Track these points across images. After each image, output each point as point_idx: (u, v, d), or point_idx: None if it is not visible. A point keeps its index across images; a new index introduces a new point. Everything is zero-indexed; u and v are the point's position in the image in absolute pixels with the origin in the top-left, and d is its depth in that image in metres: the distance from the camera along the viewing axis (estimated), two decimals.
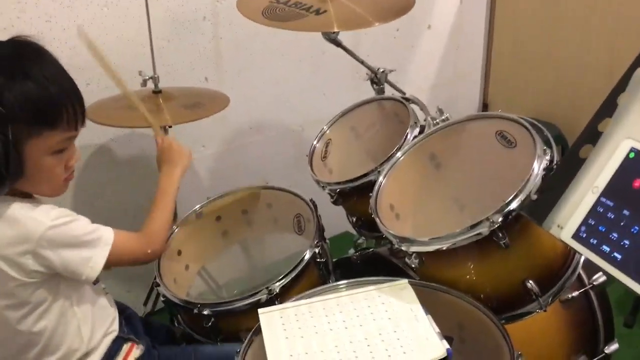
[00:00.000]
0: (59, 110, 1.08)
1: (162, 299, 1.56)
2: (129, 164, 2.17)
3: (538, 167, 1.19)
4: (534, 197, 1.16)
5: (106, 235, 1.19)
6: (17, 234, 1.08)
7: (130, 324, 1.36)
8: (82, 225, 1.16)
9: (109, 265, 1.20)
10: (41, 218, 1.09)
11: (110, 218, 2.10)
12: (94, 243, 1.16)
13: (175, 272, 1.68)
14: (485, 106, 3.29)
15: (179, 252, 1.72)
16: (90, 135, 2.03)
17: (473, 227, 1.18)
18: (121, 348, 1.27)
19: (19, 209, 1.10)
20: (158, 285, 1.55)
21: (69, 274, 1.14)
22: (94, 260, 1.15)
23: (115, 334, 1.28)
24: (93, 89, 1.97)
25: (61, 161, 1.12)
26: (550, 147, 1.24)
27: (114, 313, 1.32)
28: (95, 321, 1.24)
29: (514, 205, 1.16)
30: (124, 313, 1.38)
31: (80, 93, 1.15)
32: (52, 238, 1.09)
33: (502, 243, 1.17)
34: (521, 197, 1.17)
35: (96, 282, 1.27)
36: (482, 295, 1.28)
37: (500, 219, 1.16)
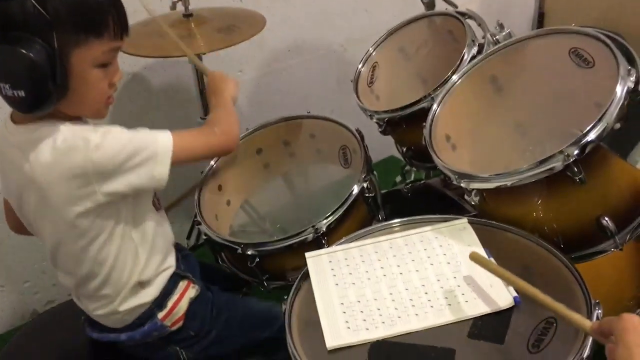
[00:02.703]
0: (105, 17, 1.00)
1: (204, 237, 1.50)
2: (165, 92, 2.08)
3: (621, 91, 1.03)
4: (617, 126, 1.02)
5: (163, 144, 1.10)
6: (69, 153, 1.01)
7: (187, 263, 1.31)
8: (134, 132, 1.08)
9: (183, 163, 1.14)
10: (89, 134, 1.02)
11: None
12: (152, 159, 1.08)
13: (216, 208, 1.61)
14: (541, 15, 3.03)
15: (220, 187, 1.64)
16: (121, 64, 1.92)
17: (544, 161, 1.05)
18: (177, 285, 1.23)
19: (66, 130, 1.02)
20: (199, 223, 1.48)
21: (139, 192, 1.11)
22: (158, 172, 1.08)
23: (172, 270, 1.23)
24: None
25: (106, 76, 1.05)
26: (634, 66, 1.07)
27: (171, 245, 1.27)
28: (153, 248, 1.19)
29: (592, 135, 1.02)
30: (182, 252, 1.33)
31: (122, 2, 1.07)
32: (104, 169, 1.02)
33: (577, 178, 1.04)
34: (601, 126, 1.02)
35: (159, 208, 1.23)
36: (549, 234, 1.16)
37: (576, 152, 1.02)
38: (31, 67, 0.93)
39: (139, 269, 1.17)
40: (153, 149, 1.08)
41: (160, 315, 1.20)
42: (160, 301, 1.20)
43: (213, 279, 1.41)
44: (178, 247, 1.33)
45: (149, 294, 1.19)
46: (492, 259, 1.10)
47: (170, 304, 1.21)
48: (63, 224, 1.08)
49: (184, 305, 1.22)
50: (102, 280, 1.15)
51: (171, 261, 1.25)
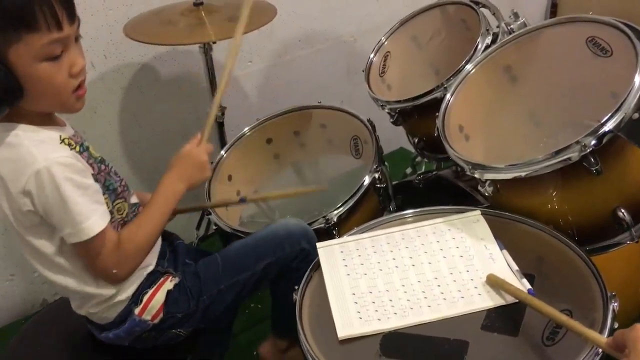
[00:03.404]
0: (31, 9, 0.94)
1: (214, 227, 1.49)
2: (174, 82, 2.06)
3: None
4: (635, 116, 1.00)
5: (92, 226, 1.02)
6: (15, 167, 0.98)
7: (174, 257, 1.27)
8: (81, 194, 1.01)
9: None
10: (38, 156, 0.98)
11: (156, 138, 2.07)
12: (79, 219, 1.01)
13: (226, 198, 1.60)
14: (554, 6, 2.99)
15: (230, 177, 1.64)
16: (131, 53, 1.92)
17: (560, 152, 1.03)
18: (153, 282, 1.19)
19: (23, 139, 0.99)
20: (209, 214, 1.48)
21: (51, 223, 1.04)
22: (70, 232, 1.02)
23: (151, 268, 1.20)
24: (131, 2, 1.85)
25: (60, 69, 0.99)
26: None
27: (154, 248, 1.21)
28: None
29: (610, 125, 1.00)
30: (172, 244, 1.30)
31: None
32: (43, 182, 0.98)
33: (593, 169, 1.02)
34: (619, 115, 1.00)
35: (128, 220, 1.17)
36: (563, 225, 1.15)
37: (593, 142, 1.00)
38: None
39: (102, 282, 1.12)
40: (82, 220, 1.01)
41: (137, 310, 1.16)
42: (135, 298, 1.16)
43: None
44: (170, 240, 1.30)
45: (125, 293, 1.16)
46: (505, 251, 1.09)
47: (145, 298, 1.17)
48: (14, 229, 1.05)
49: (160, 298, 1.18)
50: (69, 288, 1.12)
51: (150, 260, 1.20)
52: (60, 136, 1.04)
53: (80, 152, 1.06)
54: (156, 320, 1.18)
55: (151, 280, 1.19)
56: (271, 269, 1.25)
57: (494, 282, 1.03)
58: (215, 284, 1.23)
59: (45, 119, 1.05)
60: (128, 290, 1.15)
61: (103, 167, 1.11)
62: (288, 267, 1.25)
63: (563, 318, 0.89)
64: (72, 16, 1.00)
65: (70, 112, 1.06)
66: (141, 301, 1.17)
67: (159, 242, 1.24)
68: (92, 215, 1.03)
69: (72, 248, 1.07)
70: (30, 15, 0.94)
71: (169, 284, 1.20)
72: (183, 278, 1.23)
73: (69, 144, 1.05)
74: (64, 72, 1.00)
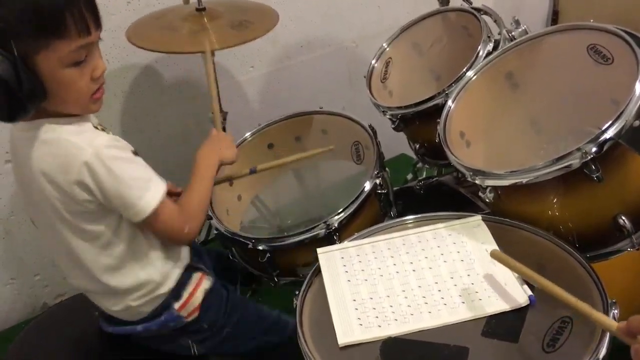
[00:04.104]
0: (62, 16, 0.95)
1: (214, 231, 1.50)
2: (176, 86, 2.07)
3: None
4: (636, 123, 1.00)
5: (156, 193, 1.07)
6: (61, 160, 1.00)
7: (198, 255, 1.31)
8: (134, 169, 1.06)
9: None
10: (84, 144, 1.00)
11: (158, 143, 2.07)
12: (140, 193, 1.05)
13: (227, 203, 1.61)
14: (555, 13, 3.00)
15: (231, 183, 1.64)
16: (133, 58, 1.92)
17: (561, 159, 1.03)
18: (191, 277, 1.23)
19: (60, 133, 1.01)
20: (210, 218, 1.48)
21: (112, 208, 1.07)
22: (136, 211, 1.06)
23: (186, 261, 1.24)
24: (134, 7, 1.85)
25: (83, 73, 1.01)
26: None
27: None
28: (165, 244, 1.19)
29: (611, 132, 1.00)
30: (193, 246, 1.32)
31: None
32: (95, 169, 1.00)
33: (594, 176, 1.03)
34: (620, 123, 1.00)
35: None
36: (564, 232, 1.15)
37: (594, 150, 1.00)
38: None
39: (152, 267, 1.16)
40: (145, 189, 1.06)
41: (177, 305, 1.20)
42: (176, 292, 1.20)
43: (223, 271, 1.41)
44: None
45: (165, 287, 1.19)
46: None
47: (186, 294, 1.21)
48: (65, 222, 1.07)
49: (199, 296, 1.22)
50: (116, 280, 1.14)
51: (185, 254, 1.25)
52: (92, 124, 1.07)
53: None
54: (190, 319, 1.22)
55: (187, 274, 1.22)
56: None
57: (498, 258, 1.03)
58: (244, 327, 1.30)
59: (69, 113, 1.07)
60: (169, 282, 1.19)
61: None
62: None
63: (572, 299, 0.88)
64: (98, 21, 1.02)
65: (87, 113, 1.08)
66: (181, 297, 1.21)
67: None
68: (150, 187, 1.07)
69: (139, 226, 1.11)
70: (62, 23, 0.96)
71: (205, 282, 1.24)
72: (226, 292, 1.29)
73: (103, 130, 1.08)
74: (87, 76, 1.02)
